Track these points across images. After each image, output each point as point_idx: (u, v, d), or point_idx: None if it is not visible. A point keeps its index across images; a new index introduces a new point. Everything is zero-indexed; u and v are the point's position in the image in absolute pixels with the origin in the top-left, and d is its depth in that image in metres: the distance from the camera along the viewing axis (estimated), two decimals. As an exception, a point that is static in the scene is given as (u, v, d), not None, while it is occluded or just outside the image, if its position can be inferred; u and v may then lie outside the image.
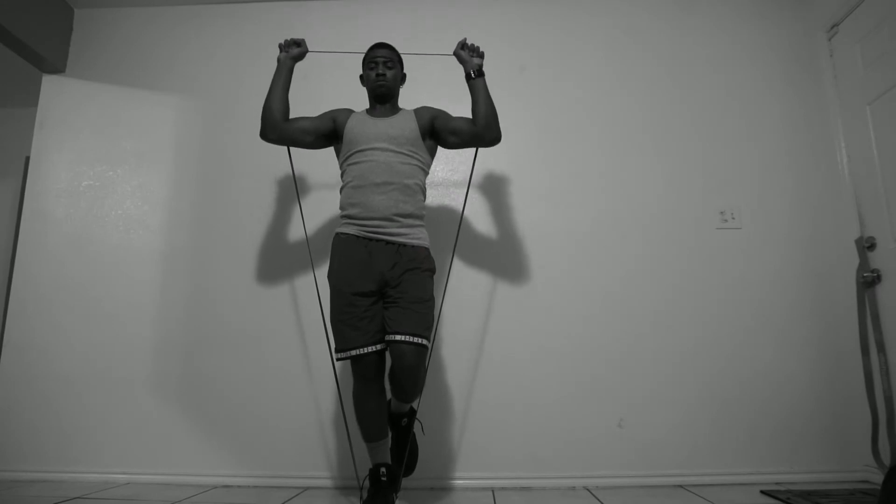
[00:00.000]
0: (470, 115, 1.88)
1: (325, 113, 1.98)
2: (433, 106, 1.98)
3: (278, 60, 1.96)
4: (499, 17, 2.63)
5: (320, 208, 2.43)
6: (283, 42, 1.98)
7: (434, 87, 2.36)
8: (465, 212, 2.26)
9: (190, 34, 2.73)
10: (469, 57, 1.89)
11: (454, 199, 2.46)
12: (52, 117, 2.67)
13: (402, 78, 2.03)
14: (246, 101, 2.60)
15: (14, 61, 2.75)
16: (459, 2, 2.67)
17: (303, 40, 1.99)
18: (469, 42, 1.91)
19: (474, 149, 2.03)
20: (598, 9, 2.64)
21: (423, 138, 1.90)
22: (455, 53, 1.92)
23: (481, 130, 1.85)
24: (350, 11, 2.68)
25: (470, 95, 1.88)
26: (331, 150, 2.03)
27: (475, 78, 1.86)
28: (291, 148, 2.01)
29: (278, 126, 1.90)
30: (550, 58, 2.59)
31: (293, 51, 1.97)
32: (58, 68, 2.69)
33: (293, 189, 2.50)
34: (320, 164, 2.39)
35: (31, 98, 2.74)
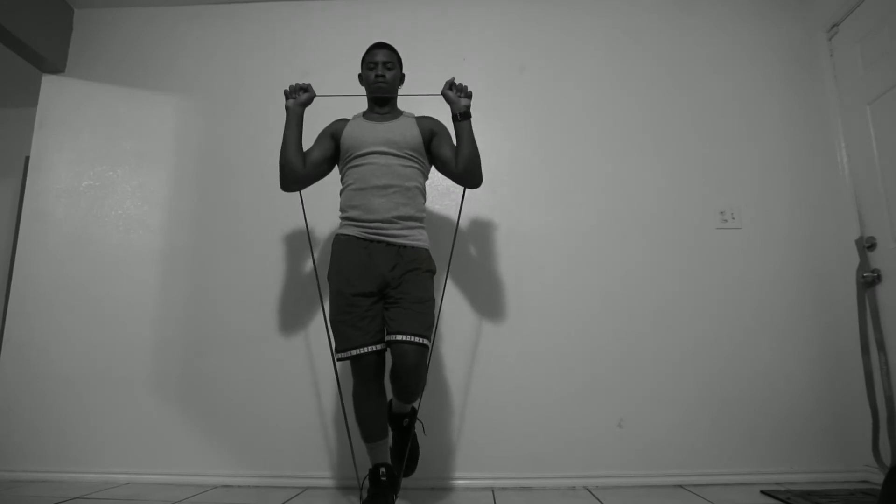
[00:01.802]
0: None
1: (322, 134, 1.96)
2: (433, 116, 1.97)
3: (287, 108, 1.91)
4: (499, 17, 2.63)
5: (320, 209, 2.43)
6: (288, 88, 1.93)
7: (433, 85, 2.36)
8: (464, 213, 2.26)
9: (190, 34, 2.73)
10: (457, 98, 1.86)
11: (453, 200, 2.46)
12: (52, 117, 2.67)
13: (402, 79, 2.03)
14: (246, 101, 2.61)
15: (14, 61, 2.75)
16: (459, 2, 2.67)
17: (309, 85, 1.95)
18: (457, 82, 1.89)
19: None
20: (598, 9, 2.64)
21: (425, 144, 1.91)
22: (442, 93, 1.90)
23: (460, 174, 1.86)
24: (350, 11, 2.68)
25: (455, 137, 1.87)
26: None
27: (461, 121, 1.85)
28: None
29: (300, 176, 1.88)
30: (550, 58, 2.59)
31: (301, 97, 1.92)
32: (58, 68, 2.69)
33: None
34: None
35: (31, 98, 2.74)
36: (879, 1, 2.20)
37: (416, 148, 1.87)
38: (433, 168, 1.99)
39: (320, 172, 1.94)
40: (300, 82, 1.95)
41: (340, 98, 2.08)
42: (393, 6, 2.68)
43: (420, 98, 2.05)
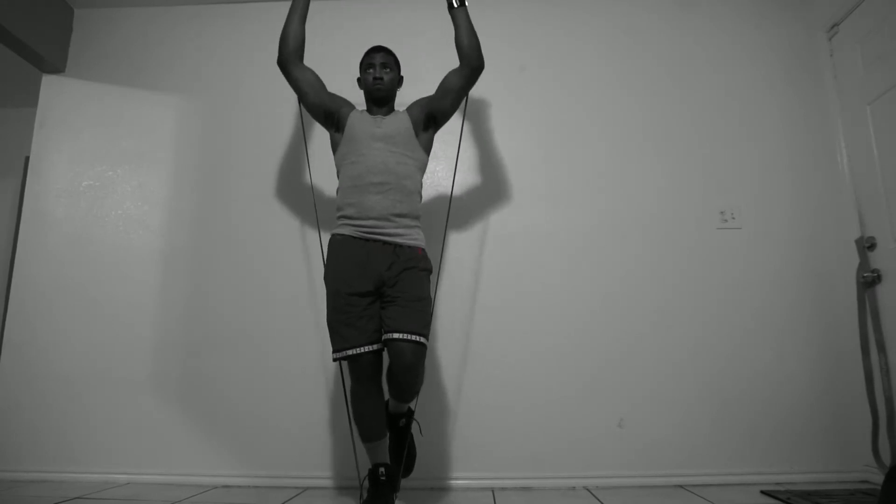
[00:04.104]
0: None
1: (337, 95, 1.97)
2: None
3: None
4: (499, 17, 2.63)
5: (319, 209, 2.43)
6: None
7: (434, 86, 2.36)
8: (463, 211, 2.26)
9: (190, 34, 2.73)
10: None
11: (453, 199, 2.46)
12: (52, 117, 2.67)
13: (400, 81, 2.03)
14: (246, 101, 2.61)
15: (14, 61, 2.75)
16: (459, 2, 2.67)
17: None
18: None
19: (457, 144, 2.00)
20: (598, 9, 2.64)
21: (418, 133, 1.91)
22: None
23: (465, 59, 1.87)
24: (349, 12, 2.68)
25: (453, 26, 1.89)
26: (328, 142, 2.02)
27: (458, 7, 1.88)
28: (308, 149, 1.97)
29: (290, 56, 1.92)
30: (550, 58, 2.59)
31: None
32: (58, 68, 2.69)
33: (293, 188, 2.50)
34: (322, 165, 2.39)
35: (31, 98, 2.74)
36: (879, 1, 2.19)
37: (410, 142, 1.88)
38: (449, 116, 1.98)
39: (305, 97, 1.93)
40: None
41: (351, 83, 2.08)
42: (392, 7, 2.68)
43: (419, 91, 2.04)
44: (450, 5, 1.89)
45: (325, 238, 2.36)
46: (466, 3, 1.89)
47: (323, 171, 2.35)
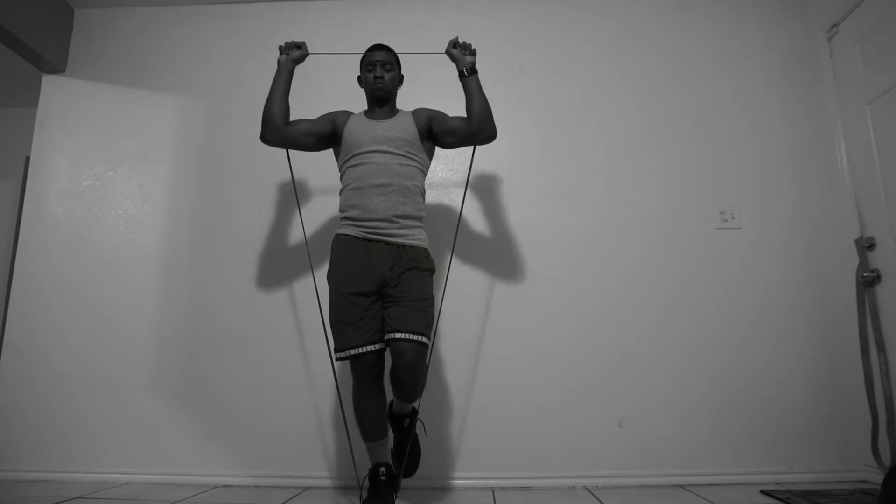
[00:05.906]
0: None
1: (324, 115, 1.98)
2: (431, 107, 1.98)
3: (279, 63, 1.95)
4: (499, 17, 2.63)
5: (320, 209, 2.44)
6: (283, 44, 1.97)
7: (434, 85, 2.36)
8: (464, 212, 2.26)
9: (190, 34, 2.73)
10: (461, 55, 1.88)
11: (454, 200, 2.47)
12: (52, 117, 2.67)
13: (400, 79, 2.03)
14: (246, 101, 2.60)
15: (14, 61, 2.75)
16: (459, 2, 2.67)
17: (303, 43, 1.98)
18: (461, 40, 1.91)
19: (472, 149, 2.05)
20: (597, 9, 2.64)
21: (422, 140, 1.91)
22: (447, 52, 1.92)
23: (476, 128, 1.85)
24: (350, 12, 2.68)
25: (464, 94, 1.87)
26: (330, 151, 2.03)
27: (468, 76, 1.86)
28: (290, 149, 2.01)
29: (279, 130, 1.90)
30: (550, 58, 2.59)
31: (294, 53, 1.96)
32: (58, 68, 2.69)
33: (293, 190, 2.49)
34: (320, 166, 2.39)
35: (31, 98, 2.75)
36: (879, 1, 2.20)
37: (413, 145, 1.87)
38: (447, 149, 1.99)
39: (306, 143, 1.95)
40: (295, 40, 1.98)
41: (341, 91, 2.07)
42: (392, 7, 2.68)
43: (422, 91, 2.04)
44: (461, 74, 1.87)
45: (312, 241, 2.38)
46: (478, 72, 1.87)
47: (311, 175, 2.35)
